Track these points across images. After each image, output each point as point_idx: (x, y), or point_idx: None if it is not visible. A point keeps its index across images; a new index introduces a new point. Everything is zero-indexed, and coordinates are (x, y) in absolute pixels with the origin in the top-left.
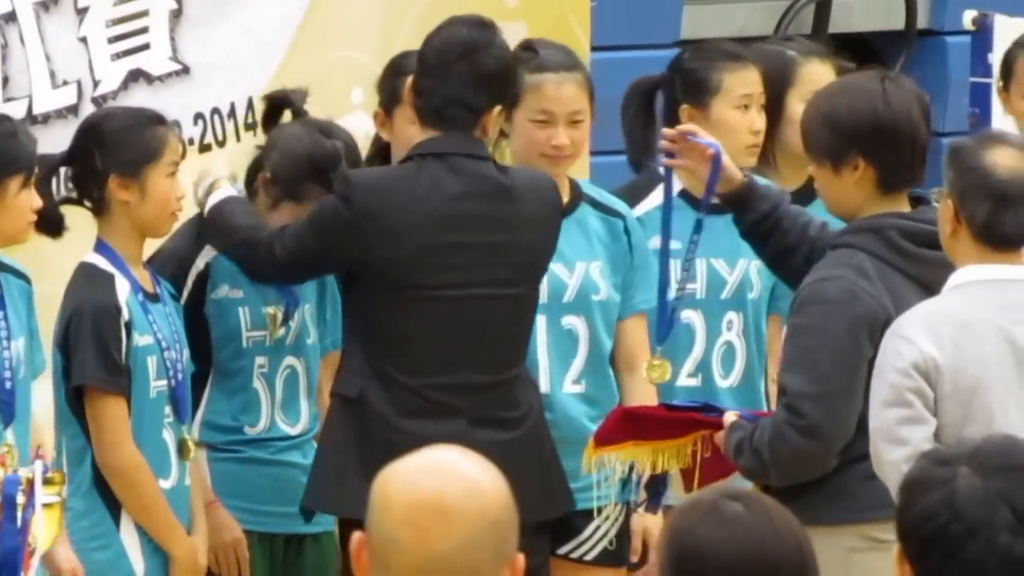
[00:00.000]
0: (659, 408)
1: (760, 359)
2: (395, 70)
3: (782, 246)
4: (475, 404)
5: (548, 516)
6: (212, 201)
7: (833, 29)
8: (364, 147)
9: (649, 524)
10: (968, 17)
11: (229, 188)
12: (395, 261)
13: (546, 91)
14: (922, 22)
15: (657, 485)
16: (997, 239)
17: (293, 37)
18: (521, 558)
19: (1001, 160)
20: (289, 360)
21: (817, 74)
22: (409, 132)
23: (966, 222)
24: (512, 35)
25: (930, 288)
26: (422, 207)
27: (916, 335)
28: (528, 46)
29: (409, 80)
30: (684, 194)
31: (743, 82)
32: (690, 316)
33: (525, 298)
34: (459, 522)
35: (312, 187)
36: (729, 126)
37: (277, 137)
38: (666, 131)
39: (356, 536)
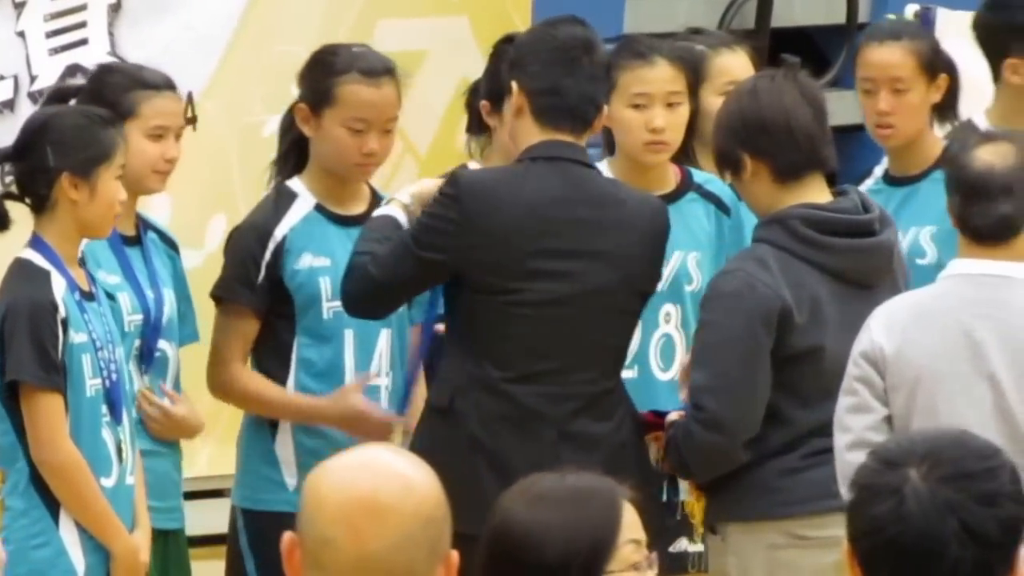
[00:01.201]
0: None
1: None
2: (326, 69)
3: None
4: (568, 415)
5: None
6: (372, 215)
7: (775, 23)
8: None
9: None
10: (910, 10)
11: (392, 208)
12: (496, 263)
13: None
14: (863, 16)
15: (669, 493)
16: (970, 232)
17: (233, 32)
18: (455, 555)
19: (980, 154)
20: None
21: (729, 65)
22: (339, 134)
23: (950, 214)
24: (455, 29)
25: (839, 276)
26: (526, 209)
27: (873, 324)
28: (510, 39)
29: (514, 84)
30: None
31: (639, 80)
32: None
33: (624, 312)
34: (394, 520)
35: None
36: (623, 124)
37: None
38: None
39: (287, 536)
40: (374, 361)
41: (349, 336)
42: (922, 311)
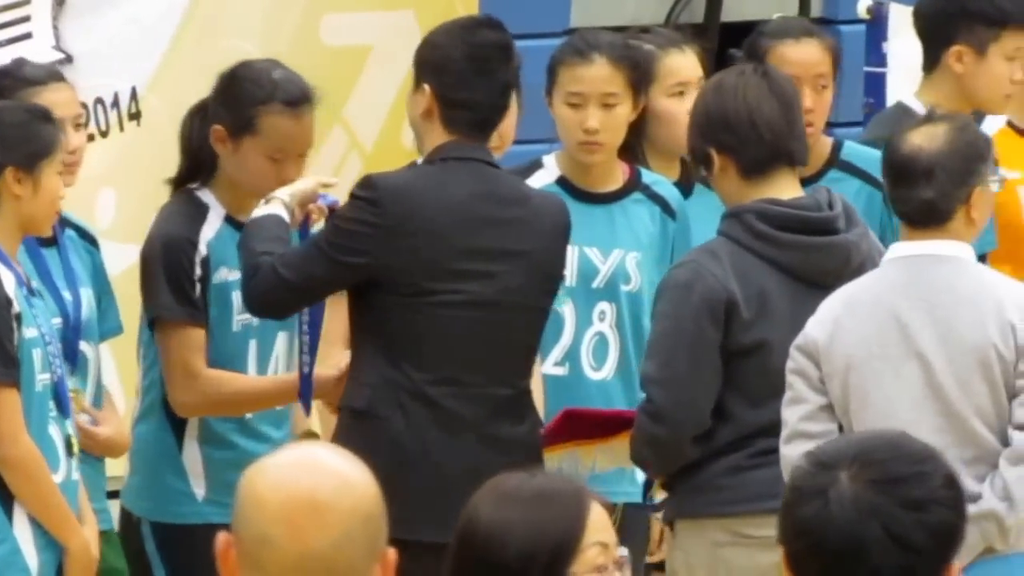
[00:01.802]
0: (601, 410)
1: (641, 353)
2: (247, 97)
3: None
4: (486, 417)
5: None
6: (253, 214)
7: (725, 18)
8: None
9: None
10: (863, 6)
11: (275, 207)
12: (417, 265)
13: None
14: (816, 10)
15: (645, 487)
16: (901, 217)
17: (177, 27)
18: (392, 552)
19: (912, 137)
20: None
21: (677, 66)
22: (258, 164)
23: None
24: (401, 24)
25: (790, 271)
26: (444, 211)
27: (810, 321)
28: None
29: (426, 86)
30: (562, 181)
31: (575, 79)
32: (560, 304)
33: (536, 310)
34: (333, 518)
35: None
36: (560, 122)
37: None
38: None
39: (221, 536)
40: (271, 366)
41: (252, 346)
42: (853, 299)
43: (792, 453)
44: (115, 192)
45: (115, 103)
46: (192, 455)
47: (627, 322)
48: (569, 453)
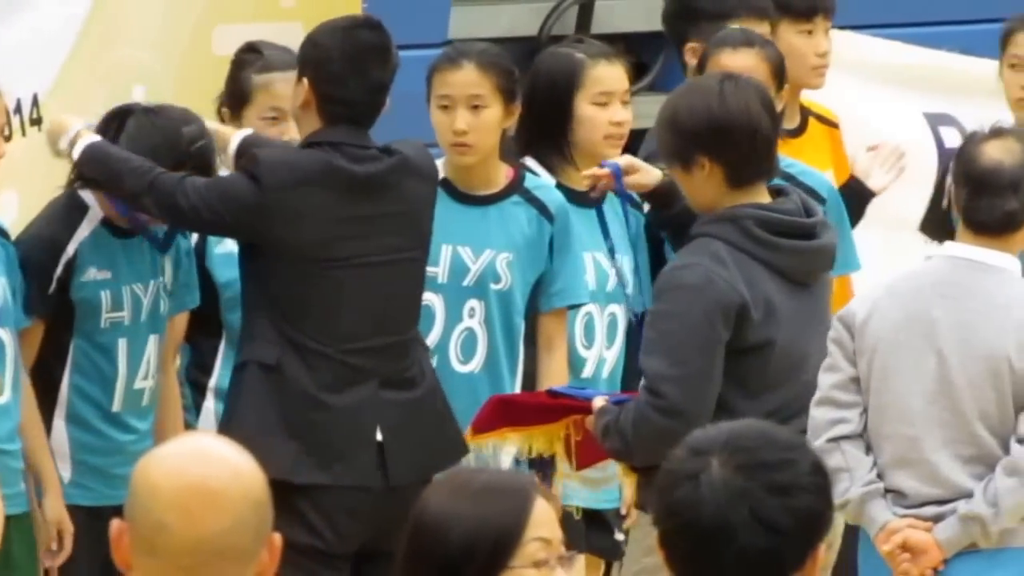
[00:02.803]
0: (535, 394)
1: (511, 350)
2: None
3: None
4: (383, 365)
5: (448, 465)
6: (83, 143)
7: (596, 30)
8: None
9: None
10: None
11: (95, 136)
12: (304, 237)
13: (276, 90)
14: None
15: (543, 466)
16: (974, 225)
17: (77, 35)
18: (278, 537)
19: (989, 150)
20: None
21: (604, 76)
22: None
23: (955, 204)
24: (288, 35)
25: (784, 274)
26: (325, 184)
27: (860, 295)
28: (252, 48)
29: (305, 80)
30: (444, 183)
31: (443, 82)
32: (431, 299)
33: (419, 262)
34: (226, 504)
35: None
36: (434, 125)
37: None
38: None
39: (115, 523)
40: (142, 366)
41: (122, 344)
42: (895, 286)
43: (820, 416)
44: (17, 194)
45: (18, 109)
46: (59, 438)
47: (496, 319)
48: (501, 438)
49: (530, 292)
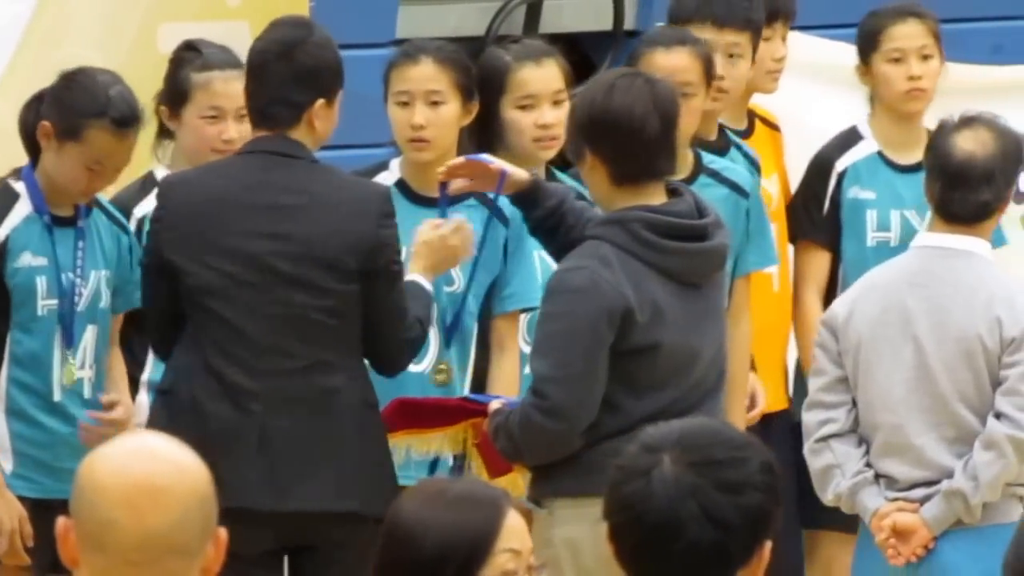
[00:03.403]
0: (437, 398)
1: (462, 351)
2: (79, 110)
3: (568, 240)
4: (272, 389)
5: (332, 508)
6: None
7: (544, 29)
8: None
9: None
10: None
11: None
12: (196, 252)
13: (215, 88)
14: (629, 23)
15: (452, 470)
16: (948, 216)
17: (22, 34)
18: (222, 531)
19: (960, 142)
20: None
21: (528, 79)
22: (74, 170)
23: (927, 196)
24: (234, 34)
25: (673, 276)
26: (220, 200)
27: (841, 296)
28: (191, 46)
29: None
30: (400, 184)
31: (401, 78)
32: None
33: (322, 289)
34: (172, 500)
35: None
36: (392, 123)
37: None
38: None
39: (61, 521)
40: (78, 355)
41: (58, 332)
42: (872, 282)
43: (810, 419)
44: None
45: None
46: (0, 428)
47: (447, 320)
48: (401, 440)
49: (483, 295)
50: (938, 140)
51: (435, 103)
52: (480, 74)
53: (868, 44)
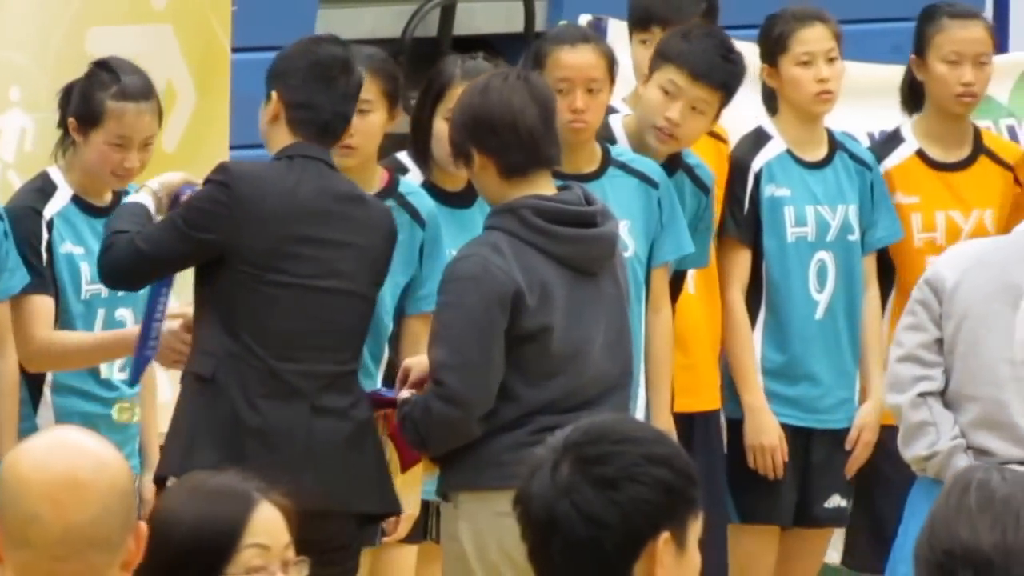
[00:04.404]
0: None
1: (377, 348)
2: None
3: None
4: (318, 390)
5: (375, 510)
6: (123, 200)
7: (458, 31)
8: (13, 142)
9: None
10: (583, 20)
11: (144, 195)
12: (260, 246)
13: (127, 120)
14: (540, 25)
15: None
16: None
17: None
18: (143, 525)
19: None
20: None
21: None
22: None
23: None
24: (159, 37)
25: (564, 263)
26: (289, 198)
27: (942, 260)
28: (107, 67)
29: (274, 94)
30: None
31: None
32: None
33: (366, 299)
34: (93, 495)
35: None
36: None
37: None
38: None
39: None
40: None
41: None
42: (985, 256)
43: (905, 372)
44: None
45: None
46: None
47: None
48: None
49: (400, 294)
50: None
51: (363, 111)
52: (426, 82)
53: (775, 47)
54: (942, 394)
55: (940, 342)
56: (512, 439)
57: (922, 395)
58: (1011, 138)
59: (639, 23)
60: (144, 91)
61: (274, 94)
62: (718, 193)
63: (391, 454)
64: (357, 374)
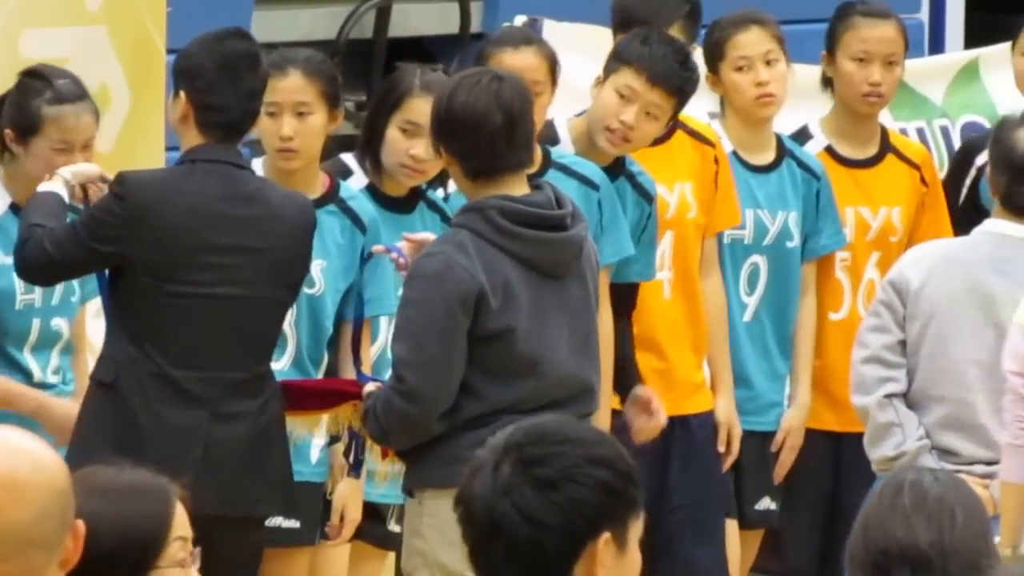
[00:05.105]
0: (315, 381)
1: (316, 352)
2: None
3: None
4: (221, 397)
5: (276, 513)
6: (36, 189)
7: (393, 33)
8: None
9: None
10: (519, 21)
11: (57, 184)
12: (159, 256)
13: (67, 123)
14: (475, 26)
15: (356, 452)
16: (1014, 208)
17: None
18: (81, 524)
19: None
20: None
21: (416, 107)
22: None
23: (992, 188)
24: (93, 39)
25: (529, 265)
26: (187, 207)
27: (905, 259)
28: (38, 74)
29: (182, 93)
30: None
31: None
32: None
33: (277, 304)
34: (31, 494)
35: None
36: (260, 131)
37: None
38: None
39: None
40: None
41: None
42: (950, 256)
43: (871, 373)
44: None
45: None
46: None
47: (305, 322)
48: (291, 423)
49: (340, 300)
50: (1001, 135)
51: (302, 114)
52: (383, 90)
53: (715, 54)
54: (905, 395)
55: (904, 344)
56: (476, 437)
57: (888, 396)
58: (945, 139)
59: (622, 25)
60: (78, 92)
61: (182, 94)
62: (708, 193)
63: (370, 445)
64: (267, 375)
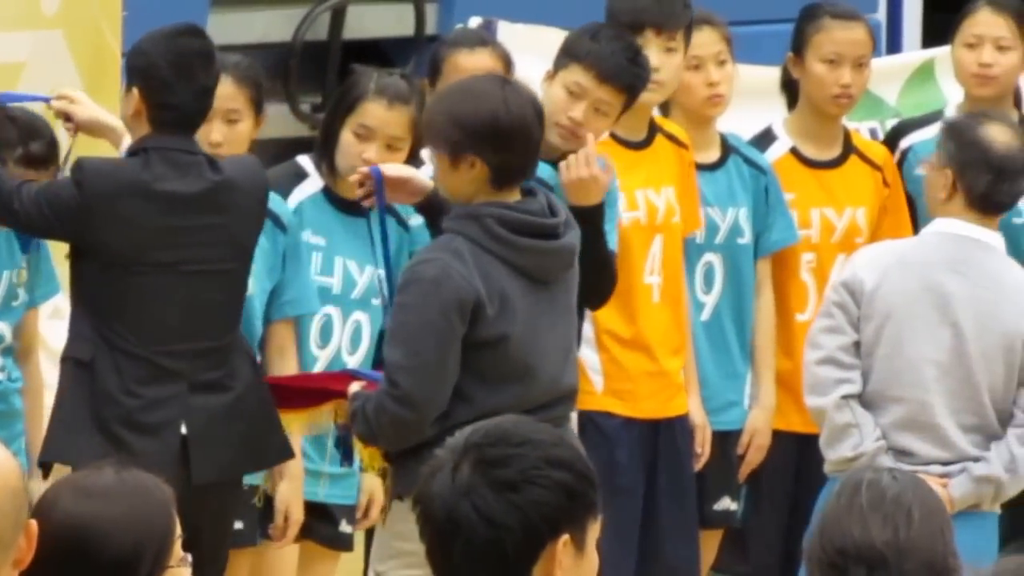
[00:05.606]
0: (299, 377)
1: None
2: None
3: None
4: (193, 369)
5: (266, 467)
6: None
7: (348, 35)
8: None
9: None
10: (474, 23)
11: None
12: (120, 242)
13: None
14: (430, 28)
15: (345, 447)
16: (992, 206)
17: None
18: (33, 524)
19: (997, 136)
20: None
21: (371, 110)
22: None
23: (964, 191)
24: (49, 43)
25: (524, 273)
26: (144, 194)
27: (857, 260)
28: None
29: (135, 89)
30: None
31: None
32: None
33: (236, 273)
34: None
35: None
36: None
37: None
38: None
39: None
40: None
41: None
42: (905, 256)
43: (826, 375)
44: None
45: None
46: None
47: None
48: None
49: (267, 300)
50: (968, 137)
51: (232, 121)
52: (339, 93)
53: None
54: (859, 396)
55: (858, 345)
56: None
57: (844, 397)
58: None
59: (631, 28)
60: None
61: (135, 90)
62: (688, 196)
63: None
64: (234, 345)
